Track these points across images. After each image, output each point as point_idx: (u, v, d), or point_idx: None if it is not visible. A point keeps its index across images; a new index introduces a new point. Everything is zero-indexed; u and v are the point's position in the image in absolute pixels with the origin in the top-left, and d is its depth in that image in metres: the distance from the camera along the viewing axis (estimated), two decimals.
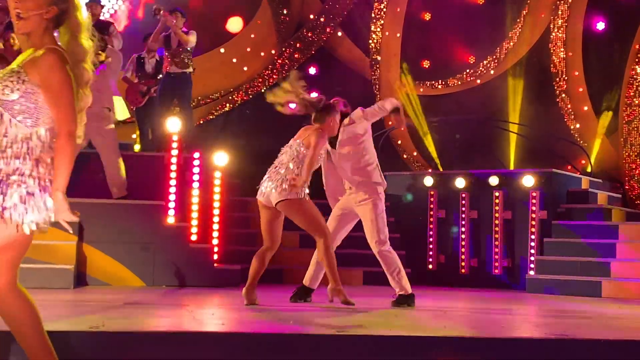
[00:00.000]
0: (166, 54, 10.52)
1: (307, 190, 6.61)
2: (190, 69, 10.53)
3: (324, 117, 6.80)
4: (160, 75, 10.74)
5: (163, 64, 10.62)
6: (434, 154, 13.56)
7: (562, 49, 13.34)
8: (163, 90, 10.51)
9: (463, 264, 10.43)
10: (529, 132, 12.97)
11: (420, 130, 13.66)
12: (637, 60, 12.61)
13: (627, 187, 12.49)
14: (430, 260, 10.65)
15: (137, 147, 11.23)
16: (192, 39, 10.40)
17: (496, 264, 10.27)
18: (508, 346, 4.97)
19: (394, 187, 10.87)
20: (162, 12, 10.42)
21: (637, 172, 12.48)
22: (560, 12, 13.36)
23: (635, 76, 12.59)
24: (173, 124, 9.27)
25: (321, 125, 6.78)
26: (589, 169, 12.29)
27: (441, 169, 12.93)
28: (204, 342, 4.77)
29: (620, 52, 12.89)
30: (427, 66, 14.37)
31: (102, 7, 10.69)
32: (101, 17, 10.66)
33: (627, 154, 12.58)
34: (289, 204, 6.55)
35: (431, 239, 10.67)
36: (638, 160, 12.50)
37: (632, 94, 12.59)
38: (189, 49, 10.43)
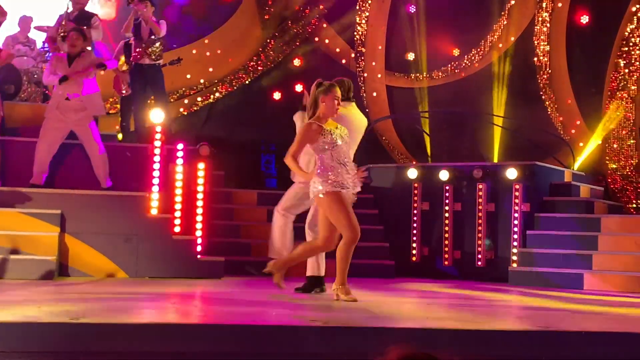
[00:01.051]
0: (137, 45, 10.34)
1: (334, 183, 6.21)
2: (161, 61, 10.46)
3: (320, 96, 6.41)
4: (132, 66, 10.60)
5: (134, 55, 10.44)
6: (428, 147, 13.59)
7: (546, 42, 13.37)
8: (135, 83, 10.41)
9: (446, 256, 10.45)
10: (512, 125, 13.00)
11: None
12: (619, 53, 12.66)
13: (609, 180, 12.55)
14: (414, 252, 10.67)
15: (119, 137, 11.17)
16: (162, 28, 10.28)
17: (479, 256, 10.30)
18: (490, 338, 4.98)
19: (378, 179, 10.90)
20: (135, 0, 10.29)
21: (619, 165, 12.55)
22: (544, 5, 13.39)
23: (618, 69, 12.65)
24: (156, 116, 9.23)
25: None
26: (573, 167, 12.33)
27: (430, 161, 12.96)
28: (185, 334, 4.75)
29: (604, 45, 12.93)
30: (411, 59, 14.38)
31: None
32: (86, 8, 10.57)
33: (610, 147, 12.64)
34: (317, 202, 6.37)
35: (415, 231, 10.68)
36: (620, 153, 12.57)
37: (615, 87, 12.65)
38: (159, 37, 10.30)
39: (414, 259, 10.66)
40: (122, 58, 10.87)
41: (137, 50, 10.27)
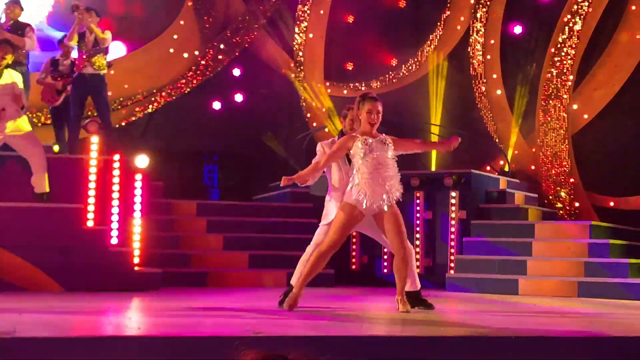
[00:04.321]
0: (82, 53, 10.29)
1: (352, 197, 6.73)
2: (105, 71, 10.36)
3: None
4: (75, 74, 10.49)
5: (77, 64, 10.38)
6: None
7: (480, 52, 13.63)
8: (75, 91, 10.31)
9: (385, 263, 10.54)
10: (449, 133, 13.19)
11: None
12: (551, 63, 12.97)
13: (543, 187, 12.83)
14: (354, 260, 10.74)
15: (56, 148, 10.99)
16: (107, 37, 10.26)
17: (417, 263, 10.40)
18: (424, 344, 5.04)
19: (317, 188, 10.92)
20: (80, 8, 10.22)
21: (553, 172, 12.83)
22: (479, 16, 13.65)
23: (550, 79, 12.95)
24: (92, 126, 9.13)
25: None
26: (506, 168, 12.59)
27: None
28: (118, 346, 4.71)
29: (537, 55, 13.24)
30: (350, 68, 14.49)
31: (22, 9, 10.45)
32: (20, 19, 10.44)
33: (543, 154, 12.92)
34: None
35: (354, 240, 10.75)
36: (554, 160, 12.86)
37: (547, 96, 12.95)
38: (104, 47, 10.25)
39: (353, 267, 10.74)
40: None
41: (82, 58, 10.21)
